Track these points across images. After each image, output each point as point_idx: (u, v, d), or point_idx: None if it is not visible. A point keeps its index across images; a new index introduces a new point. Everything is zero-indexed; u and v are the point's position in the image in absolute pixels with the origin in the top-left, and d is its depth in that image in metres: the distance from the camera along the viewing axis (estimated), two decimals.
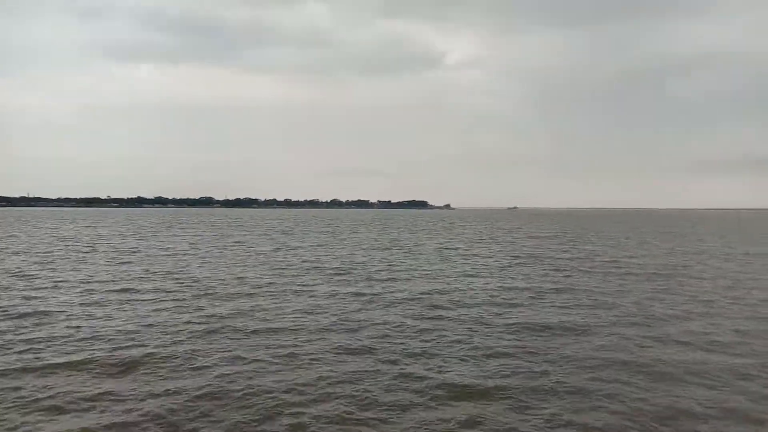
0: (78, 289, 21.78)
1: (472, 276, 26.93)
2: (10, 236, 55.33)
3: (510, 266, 31.18)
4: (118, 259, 33.02)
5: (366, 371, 11.76)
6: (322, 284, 23.80)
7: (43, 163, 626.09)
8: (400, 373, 11.60)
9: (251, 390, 10.57)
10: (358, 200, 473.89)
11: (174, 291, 21.64)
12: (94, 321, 16.16)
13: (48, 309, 17.74)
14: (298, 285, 23.46)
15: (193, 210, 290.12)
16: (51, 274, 26.03)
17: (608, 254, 38.76)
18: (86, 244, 44.83)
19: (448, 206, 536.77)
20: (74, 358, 12.46)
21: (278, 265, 30.89)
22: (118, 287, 22.37)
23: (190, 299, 19.87)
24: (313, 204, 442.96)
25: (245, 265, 30.40)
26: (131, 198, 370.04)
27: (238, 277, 25.61)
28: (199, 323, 16.03)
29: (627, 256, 37.77)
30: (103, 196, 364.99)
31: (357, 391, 10.62)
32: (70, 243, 46.40)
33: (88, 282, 23.77)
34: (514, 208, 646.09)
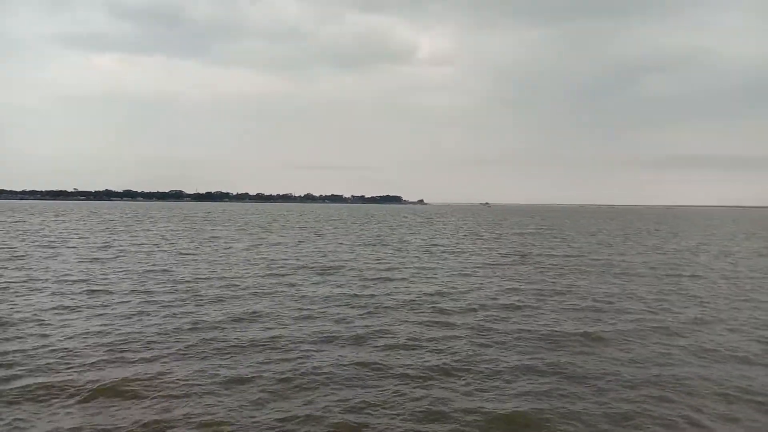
0: (48, 292, 19.96)
1: (467, 275, 25.80)
2: None
3: (503, 264, 30.16)
4: (90, 256, 31.03)
5: (385, 393, 10.45)
6: (314, 285, 22.38)
7: (6, 155, 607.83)
8: (424, 397, 10.29)
9: (258, 423, 9.18)
10: (332, 195, 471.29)
11: (155, 292, 20.00)
12: (67, 331, 14.49)
13: (13, 316, 15.96)
14: (288, 286, 22.01)
15: (163, 204, 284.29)
16: (16, 274, 24.05)
17: (598, 252, 38.08)
18: (55, 239, 42.49)
19: (421, 201, 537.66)
20: (43, 380, 10.84)
21: (262, 262, 29.33)
22: (93, 288, 20.61)
23: (175, 303, 18.26)
24: (286, 198, 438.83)
25: (228, 263, 28.77)
26: (99, 191, 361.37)
27: (222, 277, 24.02)
28: (188, 332, 14.50)
29: (617, 253, 37.15)
30: (70, 189, 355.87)
31: (380, 421, 9.32)
32: (37, 238, 43.97)
33: (59, 282, 21.93)
34: (487, 203, 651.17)
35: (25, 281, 22.09)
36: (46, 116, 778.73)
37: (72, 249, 35.45)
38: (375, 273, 26.16)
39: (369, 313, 17.29)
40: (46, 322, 15.29)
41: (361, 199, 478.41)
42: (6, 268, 25.99)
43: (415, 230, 66.36)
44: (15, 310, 16.78)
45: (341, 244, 43.03)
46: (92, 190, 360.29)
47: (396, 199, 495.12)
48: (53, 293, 19.64)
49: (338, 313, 17.07)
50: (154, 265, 27.85)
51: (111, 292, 19.91)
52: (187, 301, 18.57)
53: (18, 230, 53.67)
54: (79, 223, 69.65)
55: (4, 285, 21.15)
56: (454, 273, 26.66)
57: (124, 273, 24.81)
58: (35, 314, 16.19)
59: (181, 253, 33.66)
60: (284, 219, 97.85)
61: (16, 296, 18.98)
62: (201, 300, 18.86)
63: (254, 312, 17.05)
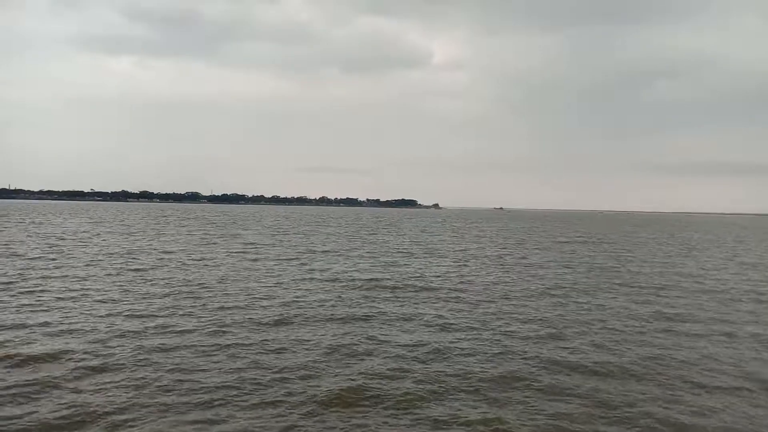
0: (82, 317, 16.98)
1: (555, 295, 22.46)
2: None
3: (587, 282, 26.76)
4: (126, 267, 28.12)
5: None
6: (398, 306, 19.17)
7: (24, 155, 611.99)
8: None
9: None
10: (347, 198, 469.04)
11: (191, 314, 16.94)
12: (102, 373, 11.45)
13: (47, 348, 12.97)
14: (368, 308, 18.81)
15: (181, 205, 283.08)
16: (53, 285, 21.13)
17: (679, 266, 34.54)
18: (82, 243, 39.72)
19: (436, 205, 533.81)
20: None
21: (318, 276, 26.20)
22: (139, 311, 17.60)
23: (222, 331, 15.19)
24: (301, 201, 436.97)
25: (280, 275, 25.67)
26: (116, 192, 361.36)
27: (283, 301, 20.88)
28: (249, 378, 11.40)
29: (702, 268, 33.59)
30: (87, 190, 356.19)
31: None
32: (67, 241, 41.25)
33: (95, 300, 18.97)
34: (500, 208, 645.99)
35: (60, 296, 19.17)
36: (63, 117, 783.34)
37: (107, 257, 32.60)
38: (451, 292, 22.91)
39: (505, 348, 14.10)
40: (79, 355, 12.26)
41: (377, 203, 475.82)
42: (41, 277, 23.12)
43: (447, 236, 62.96)
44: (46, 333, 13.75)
45: (391, 252, 39.86)
46: (109, 190, 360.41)
47: (411, 203, 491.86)
48: (89, 326, 16.63)
49: (454, 347, 13.90)
50: (194, 277, 24.85)
51: (151, 315, 16.89)
52: (243, 328, 15.48)
53: (45, 233, 51.04)
54: (105, 226, 67.07)
55: (34, 302, 18.22)
56: (539, 292, 23.34)
57: (165, 288, 21.82)
58: (69, 345, 13.17)
59: (224, 266, 30.64)
60: (308, 222, 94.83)
61: (46, 315, 16.03)
62: (269, 327, 15.75)
63: (331, 346, 13.93)
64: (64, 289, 20.70)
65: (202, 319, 16.29)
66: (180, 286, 22.10)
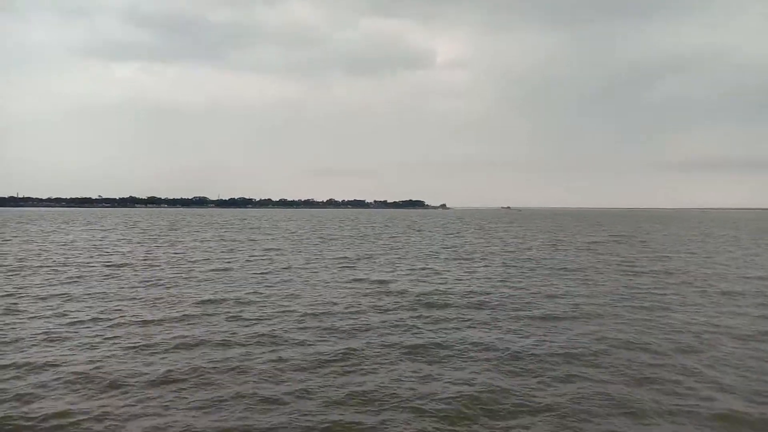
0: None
1: (649, 309, 19.83)
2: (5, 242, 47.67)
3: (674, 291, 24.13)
4: (150, 277, 25.70)
5: None
6: (464, 329, 16.62)
7: (32, 163, 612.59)
8: None
9: None
10: (354, 200, 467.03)
11: (246, 333, 14.47)
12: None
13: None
14: (433, 332, 16.29)
15: (190, 210, 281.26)
16: (76, 308, 18.70)
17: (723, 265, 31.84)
18: (103, 253, 37.34)
19: (444, 206, 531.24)
20: None
21: (362, 290, 23.65)
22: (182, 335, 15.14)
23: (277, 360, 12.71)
24: (309, 204, 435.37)
25: (324, 287, 23.15)
26: (123, 198, 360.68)
27: (339, 323, 18.38)
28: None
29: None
30: (95, 196, 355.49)
31: None
32: (92, 253, 38.88)
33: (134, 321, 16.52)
34: (508, 207, 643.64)
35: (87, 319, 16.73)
36: (69, 125, 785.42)
37: (129, 268, 30.20)
38: (506, 300, 20.32)
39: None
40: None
41: (384, 204, 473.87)
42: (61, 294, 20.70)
43: (468, 235, 60.29)
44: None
45: (421, 257, 37.30)
46: (116, 197, 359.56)
47: (419, 204, 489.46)
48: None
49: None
50: (232, 287, 22.39)
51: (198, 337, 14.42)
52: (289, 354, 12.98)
53: (57, 242, 48.73)
54: (119, 233, 64.75)
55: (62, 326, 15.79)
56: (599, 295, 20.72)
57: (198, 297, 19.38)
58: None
59: (253, 274, 28.18)
60: (321, 225, 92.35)
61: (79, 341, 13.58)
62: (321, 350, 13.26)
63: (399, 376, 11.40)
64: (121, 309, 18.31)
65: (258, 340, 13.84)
66: (222, 298, 19.66)
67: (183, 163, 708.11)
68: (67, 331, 15.18)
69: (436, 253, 40.58)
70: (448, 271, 29.54)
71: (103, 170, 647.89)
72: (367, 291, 22.44)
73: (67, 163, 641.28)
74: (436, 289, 22.75)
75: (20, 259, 33.77)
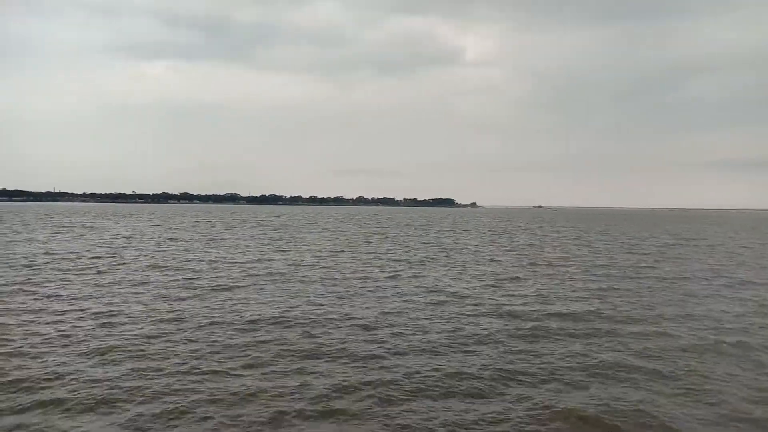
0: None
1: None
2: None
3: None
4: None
5: None
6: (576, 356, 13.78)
7: (66, 160, 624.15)
8: None
9: None
10: (384, 198, 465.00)
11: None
12: None
13: None
14: (532, 361, 13.50)
15: (222, 207, 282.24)
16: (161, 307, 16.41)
17: None
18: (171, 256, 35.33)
19: (474, 204, 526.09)
20: None
21: (449, 306, 20.94)
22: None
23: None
24: (338, 201, 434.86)
25: (391, 296, 20.50)
26: (156, 194, 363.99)
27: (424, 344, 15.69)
28: None
29: None
30: (129, 192, 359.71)
31: None
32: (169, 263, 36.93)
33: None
34: (539, 206, 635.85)
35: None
36: (103, 122, 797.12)
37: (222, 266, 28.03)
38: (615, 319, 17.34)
39: None
40: None
41: (413, 202, 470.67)
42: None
43: (517, 236, 57.04)
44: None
45: (493, 260, 34.42)
46: (150, 192, 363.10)
47: (449, 202, 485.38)
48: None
49: None
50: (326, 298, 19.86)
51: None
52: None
53: (113, 237, 47.09)
54: (162, 228, 63.25)
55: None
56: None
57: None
58: None
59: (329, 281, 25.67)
60: (357, 222, 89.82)
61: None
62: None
63: None
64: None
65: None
66: (283, 313, 17.16)
67: (213, 160, 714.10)
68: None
69: (495, 255, 37.67)
70: (524, 280, 26.62)
71: (135, 167, 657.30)
72: (462, 312, 19.69)
73: (100, 160, 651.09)
74: (513, 303, 19.91)
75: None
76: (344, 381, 10.95)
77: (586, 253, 39.74)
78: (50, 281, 22.63)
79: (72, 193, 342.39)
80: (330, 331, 14.90)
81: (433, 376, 11.35)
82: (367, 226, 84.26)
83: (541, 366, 12.13)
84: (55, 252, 34.57)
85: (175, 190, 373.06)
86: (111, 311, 16.88)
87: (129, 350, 12.72)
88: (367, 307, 18.27)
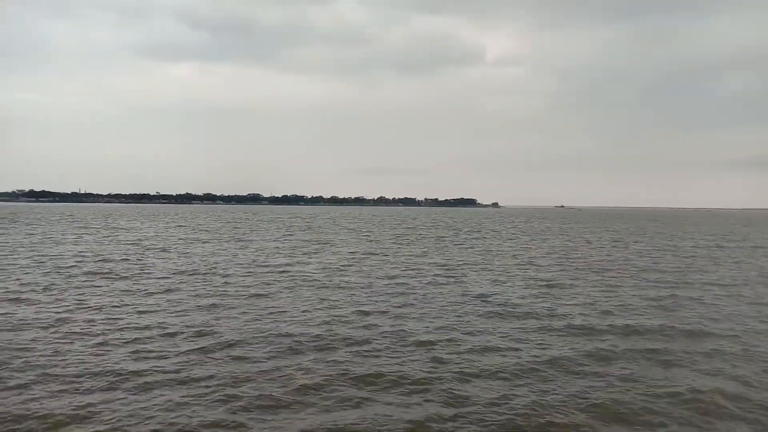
0: None
1: None
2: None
3: None
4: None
5: None
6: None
7: (93, 160, 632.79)
8: None
9: None
10: (405, 198, 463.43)
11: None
12: None
13: None
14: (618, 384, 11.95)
15: (245, 207, 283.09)
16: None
17: None
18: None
19: (495, 204, 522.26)
20: None
21: (516, 327, 19.48)
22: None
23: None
24: (359, 201, 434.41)
25: (447, 308, 19.06)
26: (180, 195, 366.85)
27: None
28: None
29: None
30: (153, 193, 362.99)
31: None
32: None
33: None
34: (561, 206, 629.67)
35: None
36: (128, 123, 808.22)
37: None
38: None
39: None
40: None
41: (435, 202, 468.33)
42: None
43: (572, 243, 55.07)
44: None
45: (544, 266, 32.76)
46: (173, 193, 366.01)
47: (470, 202, 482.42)
48: None
49: None
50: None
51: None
52: None
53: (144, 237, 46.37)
54: (194, 231, 62.58)
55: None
56: None
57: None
58: None
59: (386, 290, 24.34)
60: (385, 224, 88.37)
61: None
62: None
63: None
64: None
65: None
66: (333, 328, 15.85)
67: (236, 160, 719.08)
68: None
69: (534, 258, 35.99)
70: (578, 287, 24.98)
71: (159, 168, 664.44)
72: (520, 326, 18.20)
73: (125, 161, 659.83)
74: (590, 320, 18.34)
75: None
76: (409, 415, 9.56)
77: (628, 256, 37.90)
78: (78, 287, 21.62)
79: (97, 194, 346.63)
80: (384, 350, 13.52)
81: (515, 409, 9.90)
82: (393, 227, 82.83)
83: (633, 401, 10.59)
84: (83, 255, 33.75)
85: (199, 191, 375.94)
86: (142, 325, 15.70)
87: (166, 373, 11.48)
88: (416, 319, 16.87)
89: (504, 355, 13.16)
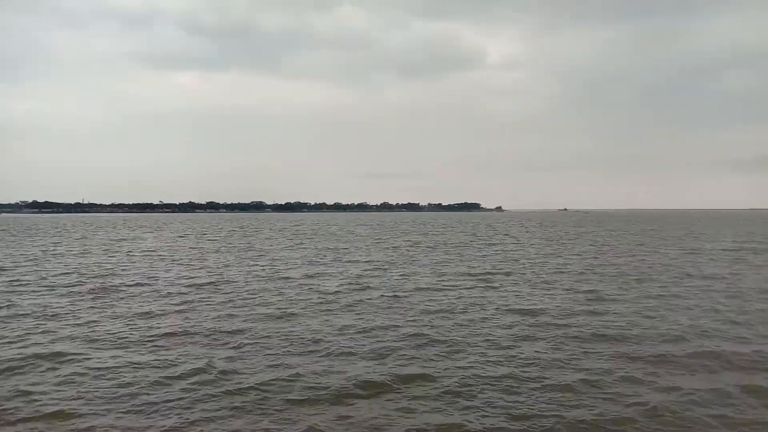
0: None
1: None
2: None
3: None
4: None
5: None
6: None
7: (95, 170, 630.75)
8: None
9: None
10: (408, 203, 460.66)
11: None
12: None
13: None
14: None
15: (249, 215, 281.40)
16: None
17: None
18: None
19: (499, 208, 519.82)
20: None
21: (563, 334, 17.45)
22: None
23: None
24: (362, 207, 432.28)
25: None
26: (183, 203, 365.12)
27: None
28: None
29: None
30: (156, 202, 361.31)
31: None
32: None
33: None
34: (564, 209, 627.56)
35: None
36: (130, 132, 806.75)
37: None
38: None
39: None
40: None
41: (439, 207, 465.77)
42: None
43: (578, 246, 52.98)
44: None
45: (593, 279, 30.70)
46: (176, 202, 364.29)
47: (474, 207, 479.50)
48: None
49: None
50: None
51: None
52: None
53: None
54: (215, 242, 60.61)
55: None
56: None
57: None
58: None
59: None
60: (400, 230, 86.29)
61: None
62: None
63: None
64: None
65: None
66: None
67: (239, 168, 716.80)
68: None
69: (565, 266, 33.93)
70: (623, 301, 22.90)
71: (162, 176, 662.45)
72: (584, 350, 16.13)
73: (127, 170, 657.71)
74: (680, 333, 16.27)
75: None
76: None
77: (668, 262, 35.59)
78: (81, 305, 19.64)
79: (100, 204, 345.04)
80: (440, 380, 11.49)
81: None
82: (405, 233, 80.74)
83: None
84: (86, 269, 31.79)
85: (201, 199, 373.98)
86: (157, 362, 13.69)
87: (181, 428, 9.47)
88: (465, 339, 14.82)
89: (566, 376, 11.11)
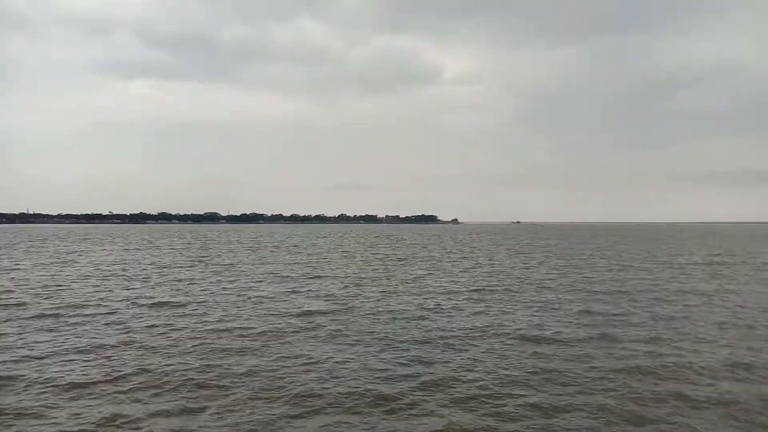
0: None
1: None
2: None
3: None
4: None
5: None
6: None
7: (42, 180, 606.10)
8: None
9: None
10: (366, 215, 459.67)
11: None
12: None
13: None
14: None
15: (202, 226, 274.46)
16: None
17: None
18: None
19: (455, 221, 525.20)
20: None
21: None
22: None
23: None
24: (320, 219, 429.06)
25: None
26: (134, 214, 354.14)
27: None
28: None
29: None
30: (105, 212, 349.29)
31: None
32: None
33: None
34: (517, 222, 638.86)
35: None
36: (81, 142, 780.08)
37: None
38: None
39: None
40: None
41: (396, 219, 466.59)
42: None
43: (549, 256, 52.35)
44: None
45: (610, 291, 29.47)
46: (127, 213, 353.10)
47: (431, 219, 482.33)
48: None
49: None
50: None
51: None
52: None
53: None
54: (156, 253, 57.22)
55: None
56: None
57: None
58: None
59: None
60: (364, 241, 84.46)
61: None
62: None
63: None
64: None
65: None
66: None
67: (194, 179, 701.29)
68: None
69: (546, 281, 32.81)
70: (642, 325, 21.73)
71: (114, 187, 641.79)
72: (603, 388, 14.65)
73: (77, 180, 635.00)
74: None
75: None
76: None
77: (658, 277, 34.83)
78: (29, 333, 17.09)
79: (47, 215, 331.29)
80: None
81: None
82: (372, 246, 78.93)
83: None
84: (31, 286, 28.80)
85: (153, 210, 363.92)
86: (119, 411, 11.52)
87: None
88: (474, 370, 13.15)
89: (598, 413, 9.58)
